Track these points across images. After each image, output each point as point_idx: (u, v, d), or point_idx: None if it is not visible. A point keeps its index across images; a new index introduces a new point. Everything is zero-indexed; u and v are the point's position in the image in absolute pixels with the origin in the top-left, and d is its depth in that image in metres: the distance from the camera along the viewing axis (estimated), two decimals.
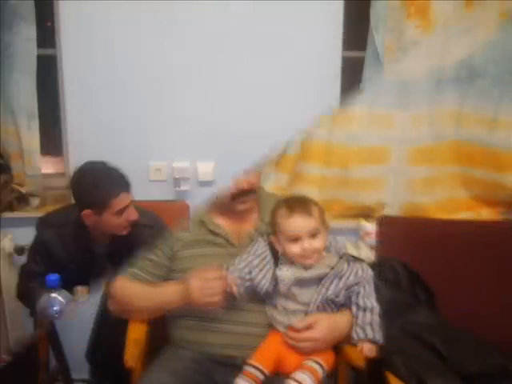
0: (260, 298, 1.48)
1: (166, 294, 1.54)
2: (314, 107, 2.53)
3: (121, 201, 1.74)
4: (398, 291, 1.66)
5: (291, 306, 1.44)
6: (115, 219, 1.75)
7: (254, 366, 1.38)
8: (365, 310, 1.43)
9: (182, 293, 1.47)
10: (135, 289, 1.59)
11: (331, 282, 1.43)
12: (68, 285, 1.20)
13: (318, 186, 2.13)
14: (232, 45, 2.42)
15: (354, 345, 1.42)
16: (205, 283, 1.42)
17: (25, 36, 2.24)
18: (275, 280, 1.43)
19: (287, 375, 1.37)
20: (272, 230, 1.50)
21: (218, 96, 2.47)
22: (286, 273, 1.42)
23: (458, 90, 2.09)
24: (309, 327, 1.40)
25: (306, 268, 1.43)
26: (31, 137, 2.36)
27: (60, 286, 1.20)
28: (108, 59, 2.37)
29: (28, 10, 2.22)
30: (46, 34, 2.37)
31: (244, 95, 2.49)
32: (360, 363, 1.40)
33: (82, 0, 2.28)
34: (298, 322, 1.41)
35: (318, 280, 1.43)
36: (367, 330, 1.41)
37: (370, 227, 2.00)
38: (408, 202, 2.11)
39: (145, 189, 2.39)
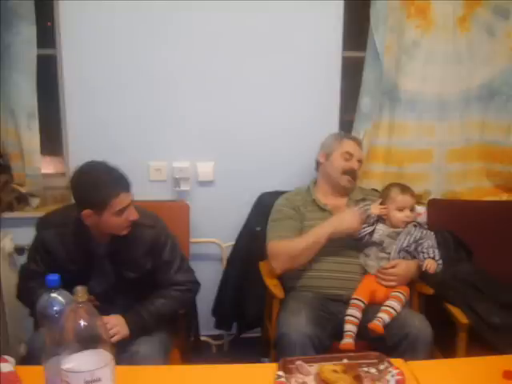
0: (358, 248, 2.13)
1: (319, 230, 2.09)
2: (314, 107, 2.55)
3: (121, 201, 1.74)
4: (448, 250, 2.28)
5: (380, 254, 2.09)
6: (115, 219, 1.75)
7: (357, 299, 2.00)
8: (428, 252, 2.05)
9: (333, 223, 2.10)
10: (293, 241, 2.10)
11: (405, 238, 2.08)
12: (68, 285, 1.19)
13: (381, 180, 2.60)
14: (232, 45, 2.43)
15: (421, 266, 2.03)
16: (354, 213, 2.11)
17: (25, 36, 2.24)
18: (373, 231, 2.09)
19: (380, 304, 1.98)
20: (382, 200, 2.15)
21: (217, 96, 2.48)
22: (382, 227, 2.10)
23: (481, 106, 2.63)
24: (393, 267, 2.04)
25: (394, 227, 2.10)
26: (31, 137, 2.36)
27: (60, 286, 1.20)
28: (108, 59, 2.37)
29: (28, 9, 2.22)
30: (46, 34, 2.37)
31: (244, 95, 2.49)
32: (428, 292, 2.12)
33: (82, 0, 2.28)
34: (385, 264, 2.06)
35: (398, 236, 2.09)
36: (430, 253, 2.05)
37: (421, 209, 2.49)
38: (447, 190, 2.69)
39: (145, 189, 2.40)
